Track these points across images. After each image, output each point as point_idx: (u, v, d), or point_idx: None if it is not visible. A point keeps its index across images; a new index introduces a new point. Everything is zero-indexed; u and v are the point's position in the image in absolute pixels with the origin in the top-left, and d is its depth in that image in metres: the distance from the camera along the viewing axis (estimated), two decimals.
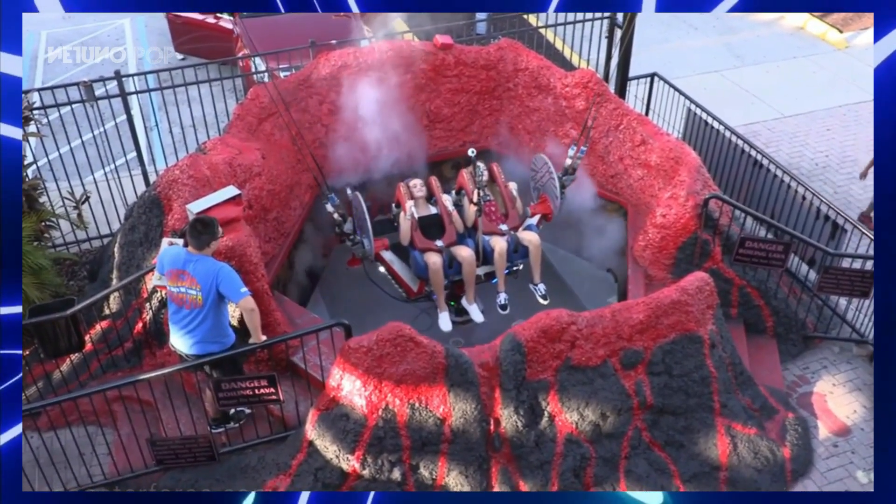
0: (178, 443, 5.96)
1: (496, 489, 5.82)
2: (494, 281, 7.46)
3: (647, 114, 9.96)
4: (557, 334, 5.88)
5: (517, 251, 7.43)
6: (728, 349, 6.59)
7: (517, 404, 5.80)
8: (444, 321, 7.38)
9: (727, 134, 8.84)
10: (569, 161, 7.47)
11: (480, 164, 7.03)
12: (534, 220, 7.65)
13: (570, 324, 5.90)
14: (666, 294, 6.18)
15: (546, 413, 5.92)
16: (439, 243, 7.28)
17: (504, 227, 7.43)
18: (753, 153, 8.53)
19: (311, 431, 5.75)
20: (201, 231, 5.58)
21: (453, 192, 7.73)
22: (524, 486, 5.85)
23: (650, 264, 7.45)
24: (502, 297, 7.38)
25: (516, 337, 5.83)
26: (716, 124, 8.97)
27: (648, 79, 9.92)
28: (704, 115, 9.12)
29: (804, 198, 8.01)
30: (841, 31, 13.81)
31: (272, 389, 5.75)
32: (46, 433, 6.41)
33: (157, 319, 6.70)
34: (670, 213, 7.23)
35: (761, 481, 6.24)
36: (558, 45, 11.79)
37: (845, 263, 7.24)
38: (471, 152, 6.93)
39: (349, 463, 5.66)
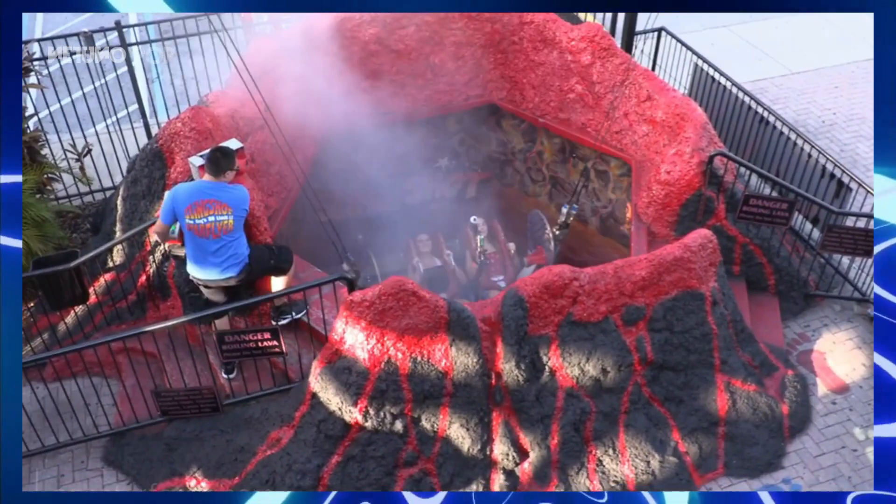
0: (183, 394, 6.04)
1: (497, 442, 5.90)
2: None
3: (653, 69, 9.85)
4: (560, 290, 5.89)
5: None
6: (729, 306, 6.61)
7: (518, 359, 5.84)
8: None
9: (734, 90, 8.75)
10: (562, 217, 7.89)
11: (480, 224, 7.94)
12: (529, 270, 8.16)
13: (573, 279, 5.91)
14: (669, 251, 6.17)
15: (547, 368, 5.97)
16: (443, 296, 7.63)
17: (502, 284, 8.01)
18: (760, 110, 8.45)
19: (315, 384, 5.81)
20: (221, 158, 5.93)
21: (457, 240, 8.47)
22: (525, 440, 5.92)
23: (653, 221, 7.43)
24: None
25: (518, 292, 5.84)
26: (723, 80, 8.87)
27: (655, 33, 9.78)
28: (711, 71, 9.01)
29: (810, 156, 7.96)
30: None
31: (275, 342, 5.81)
32: (52, 384, 6.49)
33: (161, 272, 6.72)
34: (675, 169, 7.18)
35: (759, 437, 6.31)
36: None
37: (849, 222, 7.23)
38: (473, 220, 7.65)
39: (352, 415, 5.72)
